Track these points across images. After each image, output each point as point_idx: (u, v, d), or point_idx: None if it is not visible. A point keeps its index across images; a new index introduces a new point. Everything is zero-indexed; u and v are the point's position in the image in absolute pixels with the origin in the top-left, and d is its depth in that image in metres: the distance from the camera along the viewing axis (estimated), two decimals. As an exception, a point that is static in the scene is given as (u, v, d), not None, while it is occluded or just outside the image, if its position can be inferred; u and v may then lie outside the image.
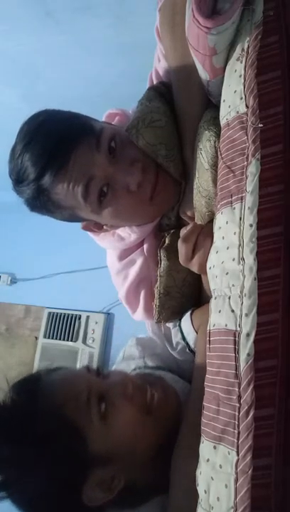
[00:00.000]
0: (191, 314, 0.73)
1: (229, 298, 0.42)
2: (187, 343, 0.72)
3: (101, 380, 0.58)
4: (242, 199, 0.43)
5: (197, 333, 0.70)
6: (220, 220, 0.47)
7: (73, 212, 0.70)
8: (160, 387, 0.60)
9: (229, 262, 0.43)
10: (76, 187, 0.64)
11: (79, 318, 2.18)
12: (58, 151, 0.62)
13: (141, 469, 0.56)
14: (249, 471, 0.35)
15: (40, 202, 0.67)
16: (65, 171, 0.62)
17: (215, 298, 0.46)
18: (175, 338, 0.74)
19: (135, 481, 0.55)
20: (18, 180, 0.66)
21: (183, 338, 0.72)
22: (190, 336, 0.71)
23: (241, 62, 0.48)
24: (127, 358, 0.75)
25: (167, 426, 0.58)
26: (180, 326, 0.74)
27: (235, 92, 0.48)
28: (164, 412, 0.58)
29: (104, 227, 0.77)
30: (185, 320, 0.73)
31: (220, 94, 0.53)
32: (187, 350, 0.72)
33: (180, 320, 0.75)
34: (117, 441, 0.54)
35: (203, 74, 0.57)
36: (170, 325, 0.77)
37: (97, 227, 0.77)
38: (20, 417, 0.52)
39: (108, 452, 0.53)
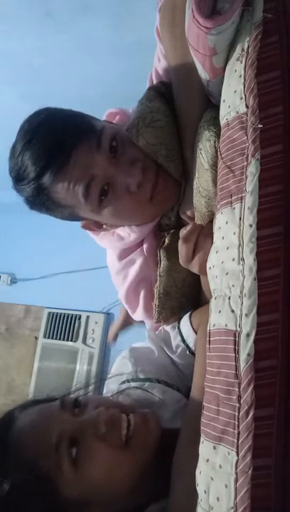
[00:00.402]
0: (190, 316, 0.73)
1: (229, 298, 0.42)
2: (187, 346, 0.72)
3: (74, 420, 0.54)
4: (241, 199, 0.43)
5: (196, 334, 0.70)
6: (220, 220, 0.47)
7: (73, 211, 0.70)
8: (140, 414, 0.56)
9: (229, 262, 0.43)
10: (76, 186, 0.64)
11: (79, 318, 2.18)
12: (59, 150, 0.62)
13: (123, 499, 0.53)
14: (249, 471, 0.35)
15: (40, 200, 0.67)
16: (65, 171, 0.62)
17: (215, 298, 0.46)
18: (175, 341, 0.74)
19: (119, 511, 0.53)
20: (18, 178, 0.66)
21: (183, 340, 0.72)
22: (190, 338, 0.71)
23: (241, 62, 0.48)
24: (117, 372, 0.73)
25: (147, 455, 0.54)
26: (179, 328, 0.74)
27: (235, 92, 0.48)
28: (142, 440, 0.54)
29: (104, 226, 0.77)
30: (184, 322, 0.73)
31: (220, 94, 0.53)
32: (187, 352, 0.72)
33: (178, 323, 0.75)
34: (92, 485, 0.51)
35: (203, 74, 0.57)
36: (168, 328, 0.76)
37: (97, 226, 0.77)
38: None
39: (84, 496, 0.51)
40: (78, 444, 0.51)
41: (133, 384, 0.69)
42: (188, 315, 0.73)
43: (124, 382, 0.71)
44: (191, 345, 0.71)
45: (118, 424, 0.54)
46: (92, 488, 0.51)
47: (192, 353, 0.70)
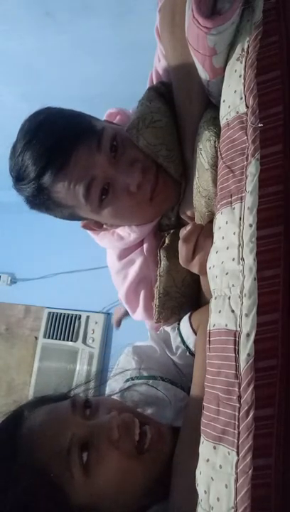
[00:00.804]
0: (190, 317, 0.73)
1: (229, 298, 0.42)
2: (187, 347, 0.72)
3: (85, 423, 0.52)
4: (241, 199, 0.43)
5: (196, 335, 0.70)
6: (220, 220, 0.47)
7: (73, 211, 0.70)
8: (155, 427, 0.55)
9: (229, 262, 0.43)
10: (77, 186, 0.64)
11: (79, 318, 2.18)
12: (59, 150, 0.62)
13: (130, 506, 0.52)
14: (250, 471, 0.35)
15: (40, 200, 0.67)
16: (65, 171, 0.62)
17: (215, 298, 0.46)
18: (175, 342, 0.74)
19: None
20: (18, 178, 0.66)
21: (183, 341, 0.72)
22: (190, 340, 0.71)
23: (241, 62, 0.48)
24: (121, 370, 0.73)
25: (159, 468, 0.53)
26: (179, 329, 0.74)
27: (235, 92, 0.48)
28: (157, 454, 0.53)
29: (104, 226, 0.77)
30: (184, 323, 0.73)
31: (220, 94, 0.53)
32: (187, 353, 0.72)
33: (178, 324, 0.75)
34: (102, 492, 0.50)
35: (203, 74, 0.57)
36: (168, 329, 0.76)
37: (97, 226, 0.77)
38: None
39: (92, 503, 0.49)
40: (89, 448, 0.50)
41: (137, 382, 0.69)
42: (187, 316, 0.73)
43: (128, 380, 0.70)
44: (191, 346, 0.71)
45: (131, 430, 0.53)
46: (101, 494, 0.50)
47: (192, 354, 0.70)
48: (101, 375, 0.75)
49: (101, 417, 0.54)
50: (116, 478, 0.50)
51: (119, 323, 1.05)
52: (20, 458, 0.49)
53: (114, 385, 0.71)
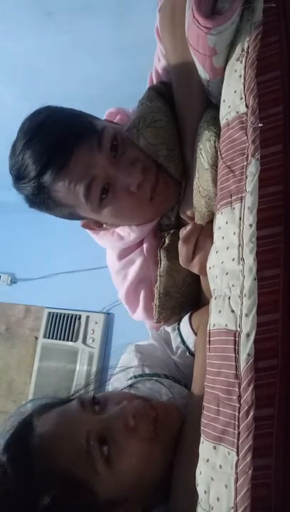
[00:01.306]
0: (190, 317, 0.73)
1: (229, 298, 0.42)
2: (187, 347, 0.72)
3: (98, 418, 0.53)
4: (241, 199, 0.43)
5: (196, 335, 0.70)
6: (220, 220, 0.47)
7: (73, 210, 0.70)
8: (160, 404, 0.57)
9: (229, 262, 0.43)
10: (77, 186, 0.64)
11: (79, 318, 2.18)
12: (59, 149, 0.62)
13: (154, 491, 0.53)
14: (249, 471, 0.35)
15: (40, 199, 0.67)
16: (65, 170, 0.62)
17: (215, 298, 0.46)
18: (175, 342, 0.74)
19: (150, 505, 0.52)
20: (18, 177, 0.66)
21: (183, 341, 0.72)
22: (190, 340, 0.71)
23: (241, 62, 0.48)
24: (124, 368, 0.73)
25: (174, 444, 0.54)
26: (179, 329, 0.74)
27: (235, 92, 0.48)
28: (169, 431, 0.54)
29: (104, 225, 0.77)
30: (184, 323, 0.73)
31: (220, 94, 0.53)
32: (187, 353, 0.72)
33: (178, 324, 0.75)
34: (127, 480, 0.50)
35: (203, 74, 0.57)
36: (169, 329, 0.76)
37: (97, 226, 0.77)
38: (19, 491, 0.47)
39: (119, 493, 0.50)
40: (108, 441, 0.50)
41: (141, 379, 0.69)
42: (187, 316, 0.73)
43: (130, 379, 0.70)
44: (191, 346, 0.71)
45: (145, 414, 0.53)
46: (127, 483, 0.50)
47: (192, 354, 0.70)
48: (103, 374, 0.74)
49: (112, 409, 0.54)
50: (139, 464, 0.51)
51: None
52: (39, 467, 0.48)
53: (116, 384, 0.71)
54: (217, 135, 0.55)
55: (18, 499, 0.46)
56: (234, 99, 0.48)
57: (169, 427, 0.55)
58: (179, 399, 0.64)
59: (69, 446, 0.49)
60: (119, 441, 0.51)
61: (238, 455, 0.36)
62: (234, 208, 0.44)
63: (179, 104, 0.67)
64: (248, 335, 0.38)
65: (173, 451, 0.54)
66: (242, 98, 0.47)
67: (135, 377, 0.70)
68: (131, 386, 0.67)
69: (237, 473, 0.36)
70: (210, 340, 0.45)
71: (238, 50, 0.49)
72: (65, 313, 2.22)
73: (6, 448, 0.51)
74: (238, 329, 0.40)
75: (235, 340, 0.39)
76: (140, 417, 0.53)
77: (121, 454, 0.50)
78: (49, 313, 2.27)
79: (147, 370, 0.71)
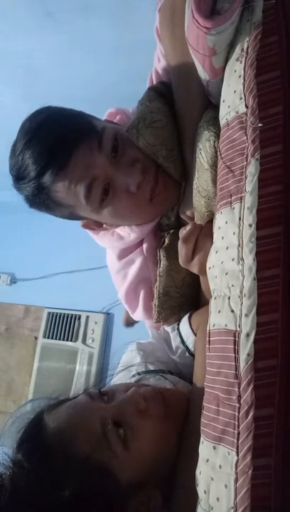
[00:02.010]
0: (189, 317, 0.73)
1: (229, 298, 0.42)
2: (186, 347, 0.72)
3: (110, 405, 0.54)
4: (241, 199, 0.43)
5: (196, 335, 0.70)
6: (220, 220, 0.47)
7: (73, 210, 0.70)
8: (164, 388, 0.59)
9: (229, 262, 0.43)
10: (78, 186, 0.64)
11: (79, 318, 2.18)
12: (59, 150, 0.62)
13: (170, 474, 0.53)
14: (249, 471, 0.35)
15: (40, 199, 0.67)
16: (66, 170, 0.62)
17: (215, 298, 0.46)
18: (175, 342, 0.74)
19: (168, 490, 0.53)
20: (18, 177, 0.66)
21: (183, 342, 0.72)
22: (190, 340, 0.71)
23: (240, 62, 0.48)
24: (126, 365, 0.74)
25: (182, 421, 0.57)
26: (178, 329, 0.74)
27: (235, 92, 0.48)
28: (178, 410, 0.57)
29: (104, 225, 0.77)
30: (184, 323, 0.73)
31: (220, 94, 0.53)
32: (187, 354, 0.72)
33: (178, 324, 0.75)
34: (145, 461, 0.51)
35: (203, 74, 0.57)
36: (168, 329, 0.76)
37: (97, 226, 0.77)
38: (41, 484, 0.47)
39: (139, 476, 0.50)
40: (122, 425, 0.52)
41: (145, 376, 0.69)
42: (187, 316, 0.73)
43: (134, 376, 0.71)
44: (191, 346, 0.71)
45: (155, 396, 0.56)
46: (145, 464, 0.51)
47: (192, 355, 0.70)
48: (105, 372, 0.74)
49: (121, 397, 0.56)
50: (154, 444, 0.53)
51: (128, 323, 1.04)
52: (58, 458, 0.49)
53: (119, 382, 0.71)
54: (217, 135, 0.55)
55: (41, 492, 0.47)
56: (234, 99, 0.48)
57: (178, 406, 0.57)
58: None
59: (85, 434, 0.51)
60: (133, 423, 0.52)
61: (238, 455, 0.36)
62: (233, 208, 0.44)
63: (179, 104, 0.67)
64: (248, 335, 0.38)
65: (181, 429, 0.56)
66: (241, 98, 0.47)
67: (139, 374, 0.70)
68: (137, 382, 0.68)
69: (236, 473, 0.36)
70: (209, 340, 0.45)
71: (238, 50, 0.49)
72: (64, 313, 2.22)
73: (19, 445, 0.51)
74: (238, 329, 0.40)
75: (235, 340, 0.39)
76: (150, 399, 0.55)
77: (137, 436, 0.52)
78: (49, 313, 2.27)
79: (150, 367, 0.71)
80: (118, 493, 0.49)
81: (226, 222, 0.45)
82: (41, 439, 0.51)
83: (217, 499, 0.37)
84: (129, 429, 0.52)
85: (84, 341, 2.14)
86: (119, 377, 0.73)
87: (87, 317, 2.17)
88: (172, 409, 0.56)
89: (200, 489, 0.40)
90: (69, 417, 0.53)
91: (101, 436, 0.50)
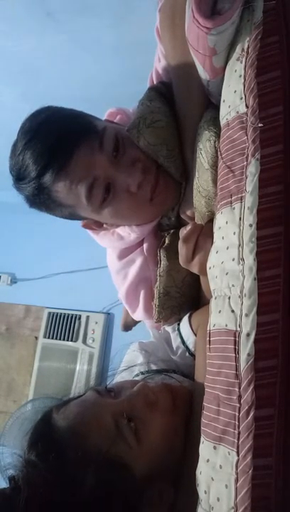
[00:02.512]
0: (189, 318, 0.73)
1: (229, 298, 0.42)
2: (187, 347, 0.71)
3: (118, 400, 0.55)
4: (241, 199, 0.43)
5: (196, 335, 0.70)
6: (220, 220, 0.47)
7: (73, 210, 0.70)
8: (165, 383, 0.60)
9: (229, 262, 0.43)
10: (79, 187, 0.64)
11: (79, 318, 2.18)
12: (60, 149, 0.62)
13: (180, 467, 0.54)
14: (250, 471, 0.35)
15: (40, 199, 0.67)
16: (66, 171, 0.62)
17: (215, 298, 0.46)
18: (175, 342, 0.74)
19: (179, 485, 0.53)
20: (18, 177, 0.66)
21: (183, 342, 0.72)
22: (190, 340, 0.71)
23: (241, 62, 0.48)
24: (129, 365, 0.74)
25: (188, 412, 0.57)
26: (179, 330, 0.74)
27: (235, 92, 0.48)
28: (186, 403, 0.58)
29: (104, 225, 0.77)
30: (184, 324, 0.73)
31: (220, 94, 0.53)
32: (187, 354, 0.71)
33: (178, 324, 0.75)
34: (157, 454, 0.52)
35: (203, 74, 0.57)
36: (169, 329, 0.76)
37: (97, 226, 0.77)
38: (59, 482, 0.47)
39: (152, 469, 0.51)
40: (133, 418, 0.52)
41: (148, 376, 0.69)
42: (187, 316, 0.73)
43: (137, 375, 0.71)
44: (191, 346, 0.71)
45: (164, 389, 0.57)
46: (157, 456, 0.52)
47: (192, 355, 0.70)
48: (106, 372, 0.74)
49: (129, 392, 0.56)
50: (165, 436, 0.53)
51: (126, 327, 1.04)
52: (72, 455, 0.48)
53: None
54: (217, 135, 0.55)
55: (60, 491, 0.46)
56: (234, 99, 0.48)
57: (184, 399, 0.58)
58: None
59: (99, 430, 0.51)
60: (144, 416, 0.53)
61: (238, 455, 0.36)
62: (234, 208, 0.44)
63: (179, 104, 0.67)
64: (248, 335, 0.38)
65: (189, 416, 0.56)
66: (242, 98, 0.47)
67: (142, 373, 0.70)
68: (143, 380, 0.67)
69: (237, 473, 0.36)
70: (210, 340, 0.45)
71: (238, 50, 0.49)
72: (65, 313, 2.22)
73: (31, 446, 0.51)
74: (238, 329, 0.40)
75: (235, 340, 0.39)
76: (159, 392, 0.56)
77: (148, 428, 0.52)
78: (49, 313, 2.27)
79: (153, 367, 0.71)
80: (134, 486, 0.49)
81: (226, 222, 0.45)
82: (54, 437, 0.51)
83: (218, 499, 0.37)
84: (140, 422, 0.52)
85: (84, 341, 2.14)
86: (121, 376, 0.73)
87: (88, 317, 2.17)
88: (179, 402, 0.57)
89: (201, 489, 0.40)
90: (80, 413, 0.53)
91: (115, 431, 0.51)
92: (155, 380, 0.67)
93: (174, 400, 0.56)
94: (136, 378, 0.70)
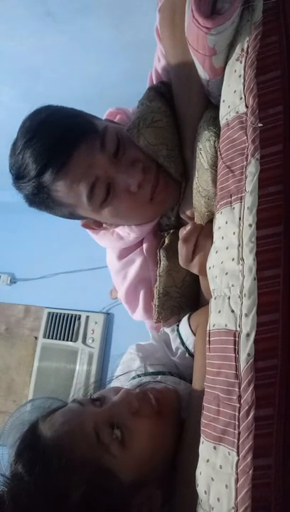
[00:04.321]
0: (189, 318, 0.73)
1: (229, 298, 0.42)
2: (186, 348, 0.71)
3: (102, 409, 0.55)
4: (241, 199, 0.43)
5: (195, 336, 0.70)
6: (220, 220, 0.47)
7: (73, 210, 0.70)
8: (150, 388, 0.60)
9: (229, 262, 0.43)
10: (80, 186, 0.64)
11: (79, 318, 2.18)
12: (60, 149, 0.62)
13: (170, 472, 0.54)
14: (250, 472, 0.35)
15: (40, 198, 0.67)
16: (66, 170, 0.62)
17: (215, 298, 0.46)
18: (174, 343, 0.74)
19: (169, 489, 0.53)
20: (18, 176, 0.66)
21: (182, 343, 0.72)
22: (189, 341, 0.71)
23: (240, 62, 0.48)
24: (126, 368, 0.74)
25: (175, 417, 0.58)
26: (178, 331, 0.74)
27: (235, 92, 0.48)
28: (170, 406, 0.58)
29: (104, 225, 0.77)
30: (183, 324, 0.73)
31: (220, 94, 0.53)
32: (186, 354, 0.71)
33: (178, 325, 0.75)
34: (144, 460, 0.52)
35: (203, 74, 0.57)
36: (168, 330, 0.76)
37: (97, 225, 0.77)
38: (44, 493, 0.47)
39: (139, 475, 0.51)
40: (118, 426, 0.52)
41: (145, 378, 0.69)
42: (186, 317, 0.73)
43: (134, 378, 0.71)
44: (190, 347, 0.71)
45: (146, 396, 0.57)
46: (144, 463, 0.52)
47: (192, 355, 0.70)
48: (105, 372, 0.74)
49: (113, 399, 0.56)
50: (151, 441, 0.53)
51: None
52: (57, 466, 0.48)
53: (118, 385, 0.71)
54: (217, 135, 0.55)
55: (45, 502, 0.46)
56: (234, 99, 0.48)
57: (168, 403, 0.58)
58: (185, 395, 0.64)
59: (80, 439, 0.51)
60: (128, 423, 0.53)
61: (238, 455, 0.36)
62: (233, 208, 0.44)
63: (179, 104, 0.67)
64: (248, 335, 0.38)
65: (177, 423, 0.57)
66: (241, 98, 0.47)
67: (139, 376, 0.70)
68: (142, 385, 0.67)
69: (237, 474, 0.36)
70: (209, 341, 0.45)
71: (238, 50, 0.49)
72: (64, 313, 2.22)
73: (18, 457, 0.51)
74: (238, 329, 0.39)
75: (235, 340, 0.39)
76: (143, 398, 0.56)
77: (133, 435, 0.52)
78: (49, 313, 2.27)
79: (150, 369, 0.71)
80: (121, 493, 0.49)
81: (226, 222, 0.45)
82: (38, 448, 0.51)
83: (218, 499, 0.37)
84: (124, 429, 0.52)
85: (84, 341, 2.14)
86: (118, 378, 0.73)
87: (87, 317, 2.17)
88: (164, 406, 0.57)
89: (201, 489, 0.40)
90: (63, 424, 0.53)
91: (95, 440, 0.51)
92: (150, 383, 0.67)
93: (159, 404, 0.56)
94: (133, 381, 0.70)
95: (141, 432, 0.53)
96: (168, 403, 0.58)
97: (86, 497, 0.46)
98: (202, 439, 0.42)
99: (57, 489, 0.47)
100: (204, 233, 0.63)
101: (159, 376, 0.68)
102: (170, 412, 0.57)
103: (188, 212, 0.68)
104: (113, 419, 0.53)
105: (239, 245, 0.42)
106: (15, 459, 0.51)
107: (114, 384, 0.72)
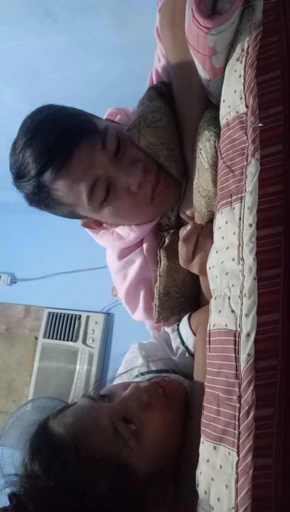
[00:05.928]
0: (189, 318, 0.73)
1: (229, 298, 0.42)
2: (186, 348, 0.71)
3: (113, 404, 0.55)
4: (241, 199, 0.43)
5: (195, 336, 0.70)
6: (220, 220, 0.47)
7: (73, 209, 0.70)
8: (159, 380, 0.61)
9: (229, 262, 0.43)
10: (80, 185, 0.64)
11: (79, 318, 2.18)
12: (60, 148, 0.62)
13: (180, 462, 0.54)
14: (250, 472, 0.35)
15: (40, 198, 0.67)
16: (67, 169, 0.62)
17: (215, 298, 0.46)
18: (175, 343, 0.74)
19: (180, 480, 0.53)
20: (18, 175, 0.66)
21: (182, 342, 0.72)
22: (190, 340, 0.71)
23: (241, 62, 0.48)
24: (129, 367, 0.74)
25: (184, 408, 0.58)
26: (178, 330, 0.74)
27: (235, 92, 0.48)
28: (179, 397, 0.59)
29: (104, 224, 0.77)
30: (183, 324, 0.73)
31: (220, 94, 0.53)
32: (187, 354, 0.71)
33: (178, 325, 0.75)
34: (158, 452, 0.53)
35: (203, 74, 0.57)
36: (168, 330, 0.76)
37: (97, 225, 0.77)
38: (64, 494, 0.46)
39: (155, 467, 0.52)
40: (132, 420, 0.53)
41: (148, 376, 0.69)
42: (186, 317, 0.73)
43: (137, 376, 0.71)
44: (191, 347, 0.71)
45: (155, 388, 0.58)
46: (158, 454, 0.53)
47: (192, 355, 0.70)
48: (106, 372, 0.75)
49: (122, 394, 0.57)
50: (164, 433, 0.54)
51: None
52: (75, 462, 0.48)
53: None
54: (217, 135, 0.55)
55: (66, 499, 0.46)
56: (234, 99, 0.48)
57: (177, 394, 0.59)
58: (190, 391, 0.64)
59: (96, 434, 0.51)
60: (140, 417, 0.53)
61: (239, 455, 0.36)
62: (234, 208, 0.44)
63: (179, 104, 0.67)
64: (248, 335, 0.38)
65: (185, 413, 0.57)
66: (241, 98, 0.47)
67: (142, 374, 0.70)
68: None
69: (237, 474, 0.36)
70: (210, 340, 0.45)
71: (238, 50, 0.49)
72: (64, 313, 2.22)
73: (33, 456, 0.51)
74: (238, 329, 0.39)
75: (235, 340, 0.39)
76: (151, 392, 0.57)
77: (146, 428, 0.53)
78: (49, 313, 2.27)
79: (153, 367, 0.71)
80: (139, 486, 0.50)
81: (226, 222, 0.45)
82: (55, 445, 0.50)
83: (218, 499, 0.37)
84: (138, 422, 0.53)
85: (84, 341, 2.14)
86: (121, 377, 0.73)
87: (87, 317, 2.17)
88: (172, 397, 0.58)
89: (201, 489, 0.40)
90: (76, 421, 0.53)
91: (113, 433, 0.51)
92: (150, 379, 0.67)
93: (167, 395, 0.57)
94: (136, 379, 0.70)
95: (153, 424, 0.54)
96: (177, 395, 0.59)
97: (107, 491, 0.46)
98: (202, 439, 0.42)
99: (78, 486, 0.47)
100: (204, 233, 0.63)
101: (163, 374, 0.69)
102: (179, 403, 0.58)
103: (188, 212, 0.68)
104: (126, 413, 0.54)
105: (240, 245, 0.42)
106: (30, 458, 0.50)
107: (117, 382, 0.72)
